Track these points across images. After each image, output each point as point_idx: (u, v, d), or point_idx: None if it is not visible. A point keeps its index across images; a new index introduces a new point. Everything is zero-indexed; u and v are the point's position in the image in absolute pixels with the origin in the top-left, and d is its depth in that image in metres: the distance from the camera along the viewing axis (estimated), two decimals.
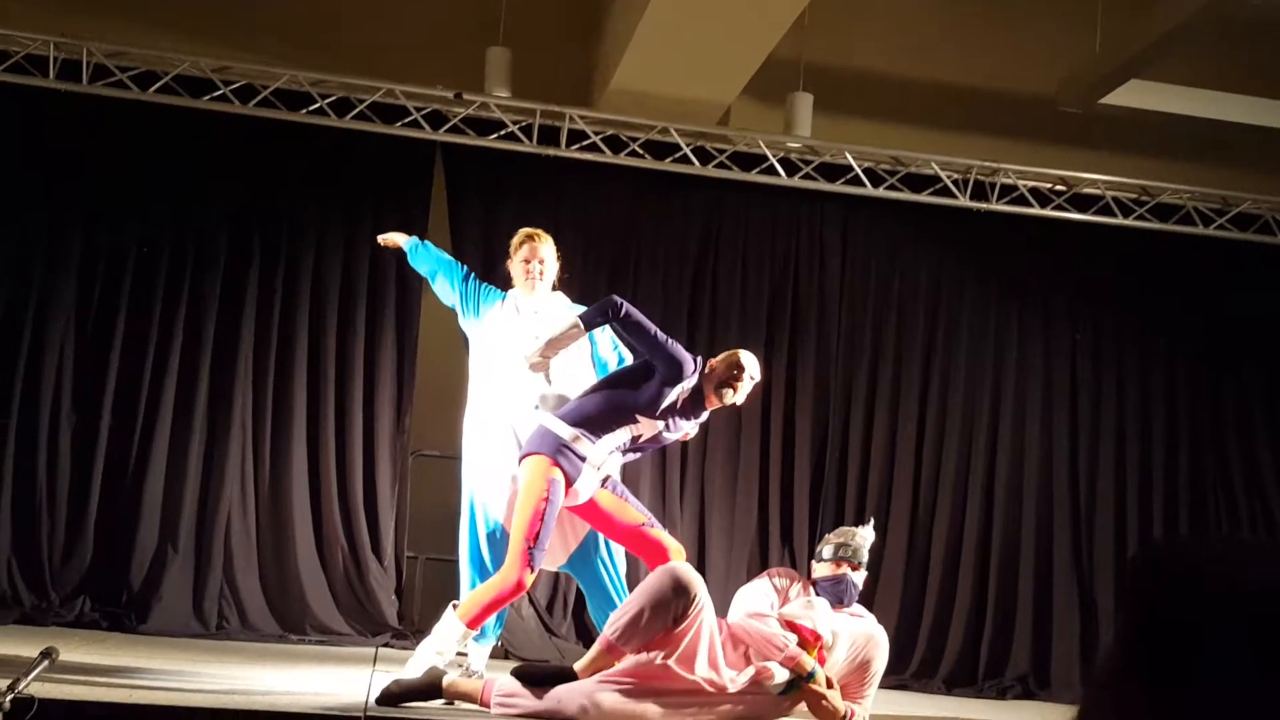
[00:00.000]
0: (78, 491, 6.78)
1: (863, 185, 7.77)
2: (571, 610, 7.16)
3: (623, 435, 4.60)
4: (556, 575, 6.89)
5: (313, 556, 6.98)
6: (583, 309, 4.77)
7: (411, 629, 6.86)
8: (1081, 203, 8.02)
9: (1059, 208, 7.99)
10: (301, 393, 7.09)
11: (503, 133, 7.39)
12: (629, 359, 4.89)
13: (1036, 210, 7.95)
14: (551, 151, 7.41)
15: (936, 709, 6.42)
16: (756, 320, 7.71)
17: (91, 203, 7.01)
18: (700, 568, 6.76)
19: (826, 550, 4.68)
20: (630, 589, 4.72)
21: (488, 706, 4.22)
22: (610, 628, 4.30)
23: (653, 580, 4.32)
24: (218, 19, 7.56)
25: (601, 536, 4.90)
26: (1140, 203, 8.05)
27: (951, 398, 7.85)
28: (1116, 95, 8.11)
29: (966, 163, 7.84)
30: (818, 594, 4.57)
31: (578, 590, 6.61)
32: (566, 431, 4.53)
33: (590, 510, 4.72)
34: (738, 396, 4.69)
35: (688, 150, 7.57)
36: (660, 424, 4.61)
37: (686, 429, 4.77)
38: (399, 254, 5.50)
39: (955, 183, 7.85)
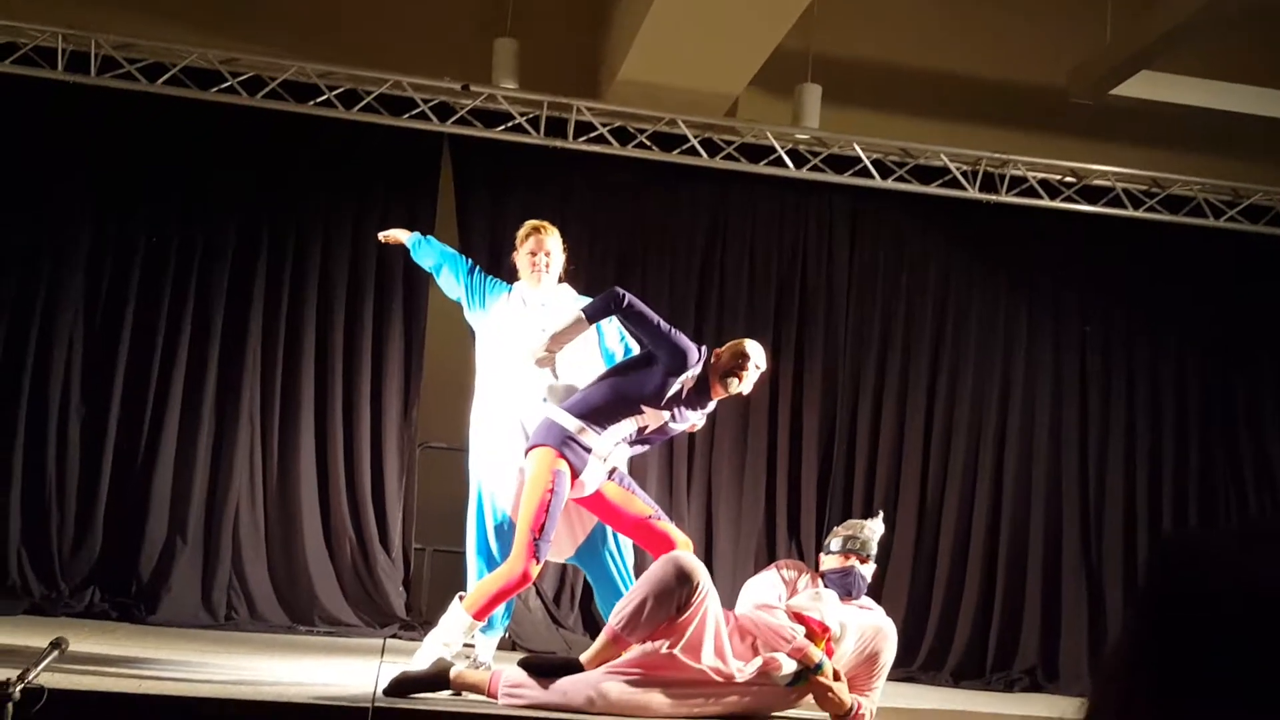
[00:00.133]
0: (87, 483, 6.80)
1: (871, 177, 7.75)
2: (579, 602, 7.17)
3: (628, 426, 4.59)
4: (564, 567, 6.90)
5: (321, 548, 7.00)
6: (588, 301, 4.77)
7: (419, 620, 6.87)
8: (1091, 194, 8.00)
9: (1069, 199, 7.96)
10: (310, 384, 7.10)
11: (510, 124, 7.38)
12: (636, 350, 4.88)
13: (1046, 202, 7.92)
14: (559, 143, 7.40)
15: (944, 701, 6.41)
16: (764, 312, 7.69)
17: (99, 195, 7.02)
18: (708, 560, 6.77)
19: (835, 542, 4.68)
20: None
21: (495, 698, 4.22)
22: (615, 618, 4.30)
23: (655, 569, 4.32)
24: (225, 11, 7.57)
25: (610, 529, 4.90)
26: (1150, 194, 8.02)
27: (960, 390, 7.84)
28: (1127, 86, 8.08)
29: (976, 154, 7.82)
30: (826, 586, 4.57)
31: (585, 582, 6.62)
32: (572, 423, 4.52)
33: (597, 502, 4.72)
34: (744, 385, 4.67)
35: (695, 142, 7.56)
36: (666, 415, 4.60)
37: (693, 420, 4.75)
38: (404, 248, 5.49)
39: (964, 174, 7.83)
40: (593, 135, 7.45)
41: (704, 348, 4.66)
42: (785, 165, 7.68)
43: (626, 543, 4.97)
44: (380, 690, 4.25)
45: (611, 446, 4.60)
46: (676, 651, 4.21)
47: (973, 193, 7.83)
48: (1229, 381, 8.09)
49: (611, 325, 4.98)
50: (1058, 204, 7.94)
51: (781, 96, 7.79)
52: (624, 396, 4.56)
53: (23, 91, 6.90)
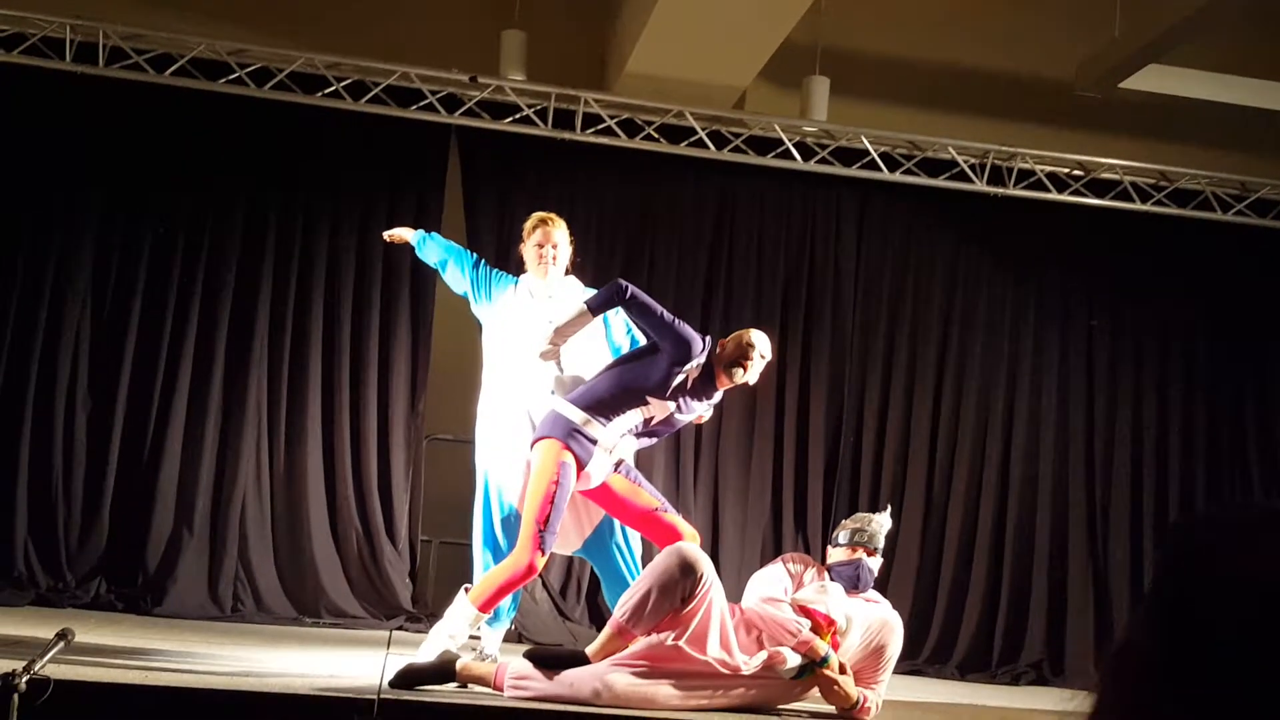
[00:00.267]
0: (93, 475, 6.81)
1: (879, 170, 7.74)
2: (585, 594, 7.17)
3: (634, 417, 4.59)
4: (570, 559, 6.90)
5: (327, 540, 7.00)
6: (592, 293, 4.76)
7: (425, 612, 6.88)
8: (1099, 188, 7.97)
9: (1076, 193, 7.94)
10: (316, 376, 7.10)
11: (517, 116, 7.38)
12: (643, 342, 4.87)
13: (1054, 195, 7.90)
14: (566, 135, 7.39)
15: (950, 695, 6.40)
16: (771, 305, 7.69)
17: (106, 187, 7.02)
18: (714, 553, 6.77)
19: (842, 535, 4.68)
20: None
21: (501, 690, 4.23)
22: (619, 609, 4.31)
23: (659, 561, 4.32)
24: (234, 2, 7.56)
25: (617, 522, 4.90)
26: (1158, 188, 8.00)
27: (967, 382, 7.83)
28: (1135, 80, 8.05)
29: (984, 147, 7.80)
30: (832, 579, 4.57)
31: (591, 574, 6.62)
32: (577, 415, 4.52)
33: (603, 494, 4.72)
34: (749, 375, 4.66)
35: (703, 134, 7.55)
36: (671, 405, 4.60)
37: (699, 411, 4.75)
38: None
39: (972, 167, 7.82)
40: (600, 127, 7.44)
41: (708, 338, 4.65)
42: (793, 158, 7.67)
43: (634, 536, 4.96)
44: (386, 682, 4.25)
45: (617, 438, 4.60)
46: (682, 643, 4.21)
47: (980, 186, 7.81)
48: (1236, 375, 8.07)
49: (618, 318, 4.97)
50: (1065, 197, 7.92)
51: (789, 89, 7.78)
52: (629, 388, 4.56)
53: (31, 82, 6.90)
